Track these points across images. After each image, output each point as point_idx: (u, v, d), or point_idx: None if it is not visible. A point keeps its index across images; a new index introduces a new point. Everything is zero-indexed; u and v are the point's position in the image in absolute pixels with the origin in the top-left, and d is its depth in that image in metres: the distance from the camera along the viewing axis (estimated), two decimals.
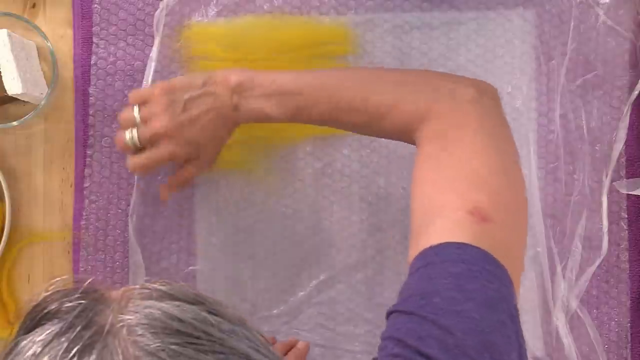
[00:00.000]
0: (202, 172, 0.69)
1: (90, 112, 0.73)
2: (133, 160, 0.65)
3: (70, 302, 0.39)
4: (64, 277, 0.44)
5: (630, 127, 0.73)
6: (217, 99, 0.61)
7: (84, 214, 0.73)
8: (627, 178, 0.73)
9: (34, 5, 0.75)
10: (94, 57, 0.74)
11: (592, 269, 0.72)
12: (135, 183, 0.73)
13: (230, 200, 0.73)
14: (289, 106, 0.60)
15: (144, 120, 0.63)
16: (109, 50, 0.74)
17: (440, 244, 0.48)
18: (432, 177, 0.54)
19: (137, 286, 0.40)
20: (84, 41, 0.74)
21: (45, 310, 0.39)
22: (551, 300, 0.72)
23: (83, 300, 0.39)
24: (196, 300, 0.39)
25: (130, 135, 0.63)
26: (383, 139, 0.73)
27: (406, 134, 0.58)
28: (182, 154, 0.64)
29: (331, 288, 0.73)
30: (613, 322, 0.73)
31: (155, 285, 0.39)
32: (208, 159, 0.67)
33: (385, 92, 0.58)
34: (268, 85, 0.60)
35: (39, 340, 0.37)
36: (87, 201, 0.73)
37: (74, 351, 0.35)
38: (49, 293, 0.41)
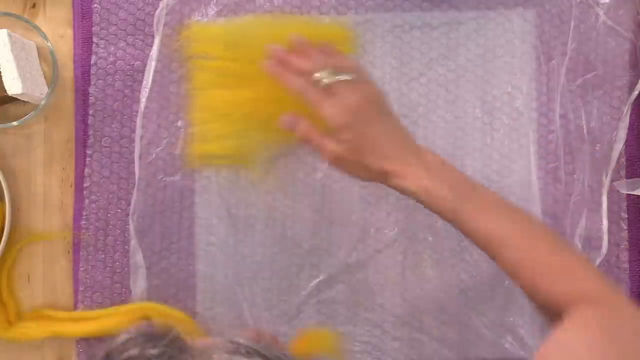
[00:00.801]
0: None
1: (90, 112, 0.73)
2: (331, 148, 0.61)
3: (153, 348, 0.39)
4: (142, 322, 0.42)
5: (630, 127, 0.73)
6: None
7: (84, 214, 0.73)
8: (627, 178, 0.73)
9: (34, 5, 0.75)
10: (94, 57, 0.74)
11: None
12: (136, 183, 0.73)
13: (230, 201, 0.73)
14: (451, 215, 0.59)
15: None
16: (109, 50, 0.74)
17: None
18: None
19: (223, 339, 0.40)
20: (84, 41, 0.74)
21: (127, 354, 0.39)
22: None
23: (166, 347, 0.39)
24: None
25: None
26: None
27: (552, 312, 0.55)
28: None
29: (331, 288, 0.73)
30: None
31: (241, 341, 0.39)
32: None
33: (548, 275, 0.56)
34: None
35: None
36: (87, 201, 0.73)
37: None
38: (130, 336, 0.40)
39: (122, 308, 0.71)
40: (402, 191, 0.60)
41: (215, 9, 0.74)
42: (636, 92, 0.72)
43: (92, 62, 0.74)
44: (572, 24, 0.73)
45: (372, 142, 0.59)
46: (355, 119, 0.59)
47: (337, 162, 0.61)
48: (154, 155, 0.73)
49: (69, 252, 0.74)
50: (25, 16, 0.74)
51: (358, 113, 0.59)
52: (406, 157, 0.60)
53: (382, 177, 0.61)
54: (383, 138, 0.60)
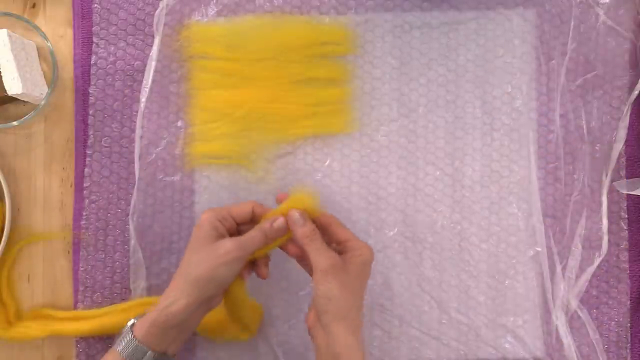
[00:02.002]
0: None
1: (90, 112, 0.74)
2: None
3: None
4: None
5: (630, 127, 0.73)
6: None
7: (84, 214, 0.73)
8: (627, 178, 0.73)
9: (34, 5, 0.75)
10: (94, 57, 0.74)
11: (592, 269, 0.72)
12: (136, 183, 0.73)
13: (230, 201, 0.73)
14: None
15: None
16: (109, 50, 0.74)
17: None
18: None
19: None
20: (84, 41, 0.74)
21: None
22: (551, 300, 0.72)
23: None
24: None
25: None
26: (382, 140, 0.73)
27: None
28: None
29: None
30: (613, 322, 0.73)
31: None
32: None
33: None
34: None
35: None
36: (87, 201, 0.73)
37: None
38: None
39: (121, 306, 0.71)
40: (342, 340, 0.59)
41: (215, 9, 0.74)
42: (636, 92, 0.72)
43: (92, 62, 0.74)
44: (572, 24, 0.73)
45: (359, 291, 0.61)
46: (370, 268, 0.61)
47: (330, 273, 0.60)
48: (154, 155, 0.73)
49: (69, 252, 0.74)
50: (25, 16, 0.74)
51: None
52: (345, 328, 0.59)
53: (343, 318, 0.60)
54: (361, 295, 0.61)
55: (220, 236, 0.61)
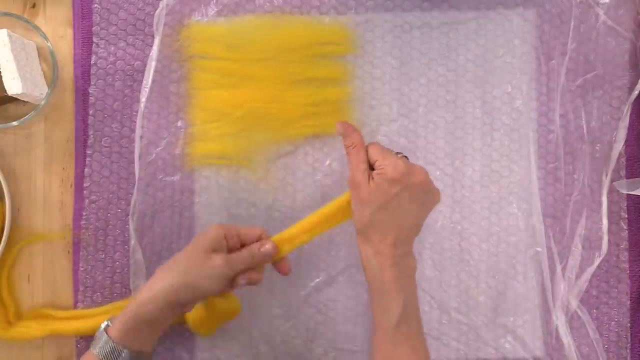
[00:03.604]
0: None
1: (90, 112, 0.74)
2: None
3: None
4: None
5: (630, 127, 0.73)
6: None
7: (84, 214, 0.73)
8: (627, 178, 0.73)
9: (34, 5, 0.75)
10: (94, 57, 0.74)
11: (592, 269, 0.72)
12: (136, 183, 0.73)
13: (230, 201, 0.73)
14: None
15: None
16: (109, 50, 0.74)
17: None
18: None
19: None
20: (84, 41, 0.74)
21: None
22: (551, 300, 0.72)
23: None
24: None
25: None
26: (382, 140, 0.73)
27: None
28: None
29: (331, 288, 0.73)
30: (613, 322, 0.73)
31: None
32: None
33: None
34: None
35: None
36: (87, 201, 0.73)
37: None
38: None
39: (120, 303, 0.71)
40: (363, 255, 0.62)
41: (215, 9, 0.74)
42: (636, 92, 0.72)
43: (92, 62, 0.74)
44: (572, 24, 0.73)
45: (393, 213, 0.61)
46: (406, 186, 0.61)
47: (354, 187, 0.62)
48: (154, 155, 0.73)
49: (69, 252, 0.74)
50: (25, 16, 0.74)
51: (414, 184, 0.61)
52: (397, 246, 0.61)
53: (362, 233, 0.62)
54: (402, 221, 0.61)
55: (218, 251, 0.62)
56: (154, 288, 0.60)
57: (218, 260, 0.61)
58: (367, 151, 0.63)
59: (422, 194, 0.62)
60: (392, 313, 0.60)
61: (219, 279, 0.61)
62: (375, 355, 0.60)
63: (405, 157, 0.64)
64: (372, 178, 0.61)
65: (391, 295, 0.60)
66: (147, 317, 0.59)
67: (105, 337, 0.59)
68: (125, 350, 0.59)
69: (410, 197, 0.61)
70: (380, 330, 0.60)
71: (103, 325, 0.61)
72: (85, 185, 0.73)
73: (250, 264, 0.63)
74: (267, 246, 0.64)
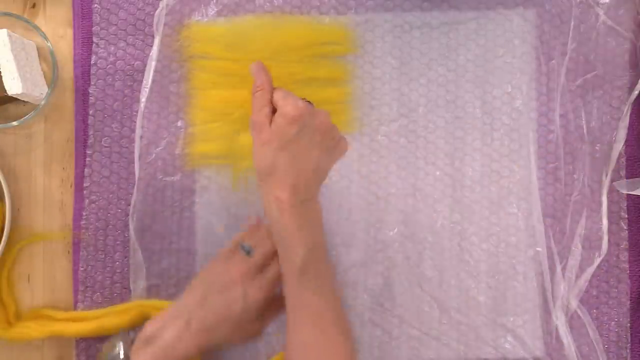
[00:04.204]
0: None
1: (90, 112, 0.74)
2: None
3: None
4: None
5: (630, 127, 0.73)
6: None
7: (84, 214, 0.73)
8: (627, 178, 0.73)
9: (34, 5, 0.75)
10: (94, 57, 0.74)
11: (592, 269, 0.72)
12: (136, 183, 0.73)
13: (230, 201, 0.73)
14: None
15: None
16: (109, 50, 0.74)
17: None
18: None
19: None
20: (84, 41, 0.74)
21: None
22: (551, 300, 0.72)
23: None
24: None
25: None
26: (382, 140, 0.73)
27: None
28: None
29: None
30: (613, 322, 0.73)
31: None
32: None
33: None
34: None
35: None
36: (87, 201, 0.73)
37: None
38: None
39: (120, 307, 0.71)
40: (265, 201, 0.61)
41: (215, 9, 0.74)
42: (636, 92, 0.72)
43: (92, 62, 0.74)
44: (572, 24, 0.73)
45: (293, 156, 0.59)
46: (306, 126, 0.59)
47: (256, 128, 0.60)
48: (154, 155, 0.73)
49: (69, 252, 0.74)
50: (25, 16, 0.74)
51: (314, 126, 0.60)
52: (297, 191, 0.59)
53: (262, 178, 0.60)
54: (302, 166, 0.60)
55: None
56: (181, 328, 0.59)
57: (258, 326, 0.63)
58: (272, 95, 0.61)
59: (326, 140, 0.60)
60: (295, 259, 0.58)
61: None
62: (286, 302, 0.59)
63: (310, 102, 0.62)
64: (274, 120, 0.59)
65: (293, 241, 0.58)
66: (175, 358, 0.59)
67: None
68: None
69: (311, 141, 0.59)
70: (286, 276, 0.59)
71: (121, 350, 0.60)
72: (85, 185, 0.73)
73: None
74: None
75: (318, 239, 0.60)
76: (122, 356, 0.59)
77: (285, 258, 0.59)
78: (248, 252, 0.64)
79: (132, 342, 0.60)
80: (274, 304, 0.64)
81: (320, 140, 0.60)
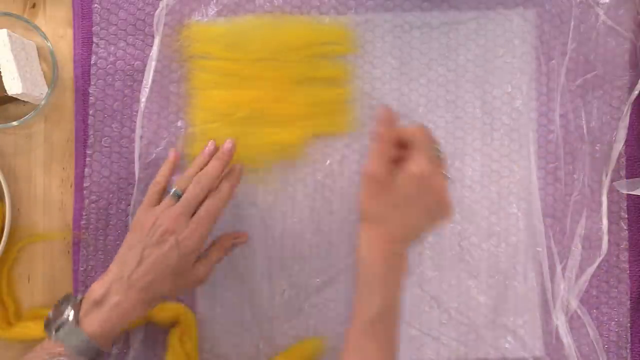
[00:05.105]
0: None
1: (90, 112, 0.74)
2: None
3: None
4: None
5: (630, 127, 0.73)
6: None
7: (84, 214, 0.73)
8: (627, 178, 0.73)
9: (34, 5, 0.75)
10: (94, 57, 0.74)
11: (592, 269, 0.72)
12: (136, 183, 0.73)
13: (230, 201, 0.73)
14: None
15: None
16: (109, 50, 0.74)
17: None
18: None
19: None
20: (84, 41, 0.74)
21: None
22: (551, 300, 0.72)
23: None
24: None
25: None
26: None
27: None
28: None
29: (331, 288, 0.73)
30: (613, 322, 0.73)
31: None
32: None
33: None
34: None
35: None
36: (87, 201, 0.73)
37: None
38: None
39: None
40: (361, 243, 0.61)
41: (215, 9, 0.74)
42: (636, 92, 0.72)
43: (92, 62, 0.74)
44: (572, 24, 0.73)
45: (402, 211, 0.60)
46: (423, 188, 0.60)
47: (371, 175, 0.61)
48: (154, 155, 0.73)
49: (69, 252, 0.74)
50: (25, 16, 0.74)
51: (431, 190, 0.60)
52: (394, 243, 0.60)
53: (365, 222, 0.61)
54: (407, 222, 0.60)
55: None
56: (134, 292, 0.61)
57: (202, 272, 0.65)
58: (404, 131, 0.62)
59: (438, 204, 0.61)
60: (371, 307, 0.59)
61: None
62: (345, 345, 0.60)
63: (440, 152, 0.62)
64: (395, 172, 0.60)
65: (374, 288, 0.59)
66: (126, 318, 0.60)
67: (82, 334, 0.59)
68: (100, 349, 0.60)
69: (425, 202, 0.60)
70: (356, 322, 0.60)
71: (70, 314, 0.60)
72: (85, 185, 0.73)
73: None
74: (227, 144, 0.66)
75: (397, 294, 0.61)
76: (71, 320, 0.59)
77: (362, 303, 0.60)
78: (179, 197, 0.64)
79: (80, 305, 0.61)
80: (213, 245, 0.68)
81: (432, 202, 0.61)
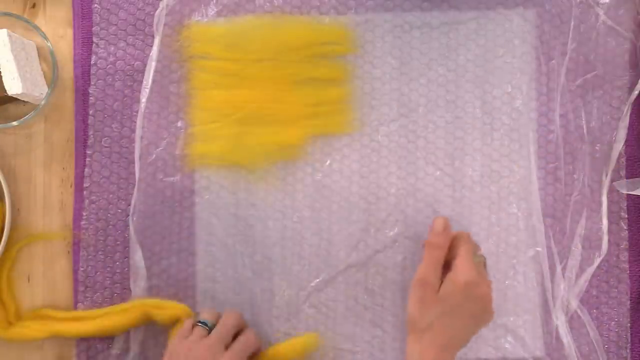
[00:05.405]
0: None
1: (90, 112, 0.74)
2: None
3: None
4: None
5: (630, 127, 0.73)
6: None
7: (84, 214, 0.73)
8: (627, 178, 0.73)
9: (34, 5, 0.75)
10: (94, 57, 0.74)
11: (592, 269, 0.72)
12: (136, 183, 0.73)
13: (230, 200, 0.73)
14: None
15: None
16: (109, 50, 0.74)
17: None
18: None
19: None
20: (84, 41, 0.74)
21: None
22: (551, 300, 0.72)
23: None
24: None
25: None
26: (382, 140, 0.73)
27: None
28: None
29: (331, 288, 0.73)
30: (613, 322, 0.73)
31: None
32: None
33: None
34: None
35: None
36: (87, 201, 0.73)
37: None
38: None
39: (121, 306, 0.71)
40: (409, 352, 0.63)
41: (215, 9, 0.74)
42: (636, 92, 0.72)
43: (92, 62, 0.74)
44: (572, 24, 0.73)
45: (453, 320, 0.62)
46: (470, 297, 0.62)
47: (422, 284, 0.63)
48: (154, 155, 0.73)
49: (69, 252, 0.74)
50: (25, 16, 0.74)
51: (478, 298, 0.62)
52: (444, 352, 0.61)
53: (416, 332, 0.62)
54: (456, 331, 0.62)
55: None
56: None
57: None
58: (451, 241, 0.64)
59: (483, 311, 0.63)
60: None
61: None
62: None
63: (483, 258, 0.66)
64: (444, 283, 0.62)
65: None
66: None
67: None
68: None
69: (471, 309, 0.62)
70: None
71: None
72: (85, 185, 0.73)
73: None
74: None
75: None
76: None
77: None
78: (208, 326, 0.66)
79: None
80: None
81: (478, 309, 0.62)
